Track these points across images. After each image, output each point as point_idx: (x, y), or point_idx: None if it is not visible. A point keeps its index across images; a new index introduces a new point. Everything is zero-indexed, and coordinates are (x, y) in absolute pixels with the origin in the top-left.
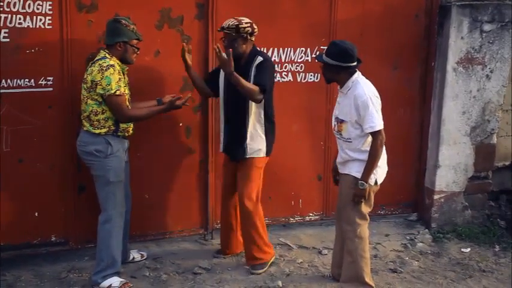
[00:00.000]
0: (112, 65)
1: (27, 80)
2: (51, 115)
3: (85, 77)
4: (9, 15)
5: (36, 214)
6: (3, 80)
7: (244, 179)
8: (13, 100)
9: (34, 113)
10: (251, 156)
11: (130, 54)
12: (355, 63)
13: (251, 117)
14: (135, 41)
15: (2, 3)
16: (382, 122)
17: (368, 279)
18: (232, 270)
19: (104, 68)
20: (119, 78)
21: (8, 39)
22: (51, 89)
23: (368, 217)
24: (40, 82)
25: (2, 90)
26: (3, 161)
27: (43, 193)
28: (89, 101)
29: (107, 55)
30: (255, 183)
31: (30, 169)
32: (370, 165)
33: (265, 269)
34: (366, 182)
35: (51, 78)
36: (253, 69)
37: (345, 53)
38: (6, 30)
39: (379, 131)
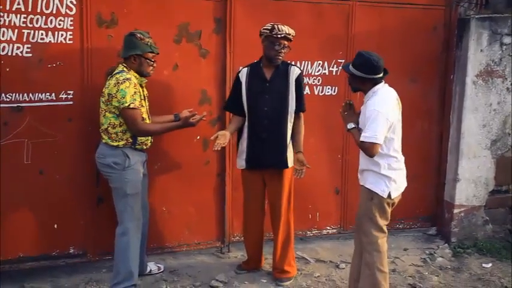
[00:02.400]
0: (128, 79)
1: (48, 93)
2: (71, 128)
3: (103, 90)
4: (32, 31)
5: (55, 226)
6: (26, 94)
7: (282, 190)
8: (34, 113)
9: (54, 126)
10: (290, 166)
11: (146, 67)
12: (379, 75)
13: (289, 128)
14: (150, 54)
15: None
16: (376, 137)
17: None
18: (249, 284)
19: (120, 81)
20: (135, 92)
21: (30, 54)
22: (71, 102)
23: (386, 230)
24: (61, 96)
25: (24, 104)
26: (24, 173)
27: (62, 205)
28: (107, 114)
29: (125, 69)
30: (292, 194)
31: (50, 181)
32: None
33: (290, 282)
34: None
35: (71, 91)
36: (294, 82)
37: (369, 64)
38: (29, 46)
39: (369, 143)
